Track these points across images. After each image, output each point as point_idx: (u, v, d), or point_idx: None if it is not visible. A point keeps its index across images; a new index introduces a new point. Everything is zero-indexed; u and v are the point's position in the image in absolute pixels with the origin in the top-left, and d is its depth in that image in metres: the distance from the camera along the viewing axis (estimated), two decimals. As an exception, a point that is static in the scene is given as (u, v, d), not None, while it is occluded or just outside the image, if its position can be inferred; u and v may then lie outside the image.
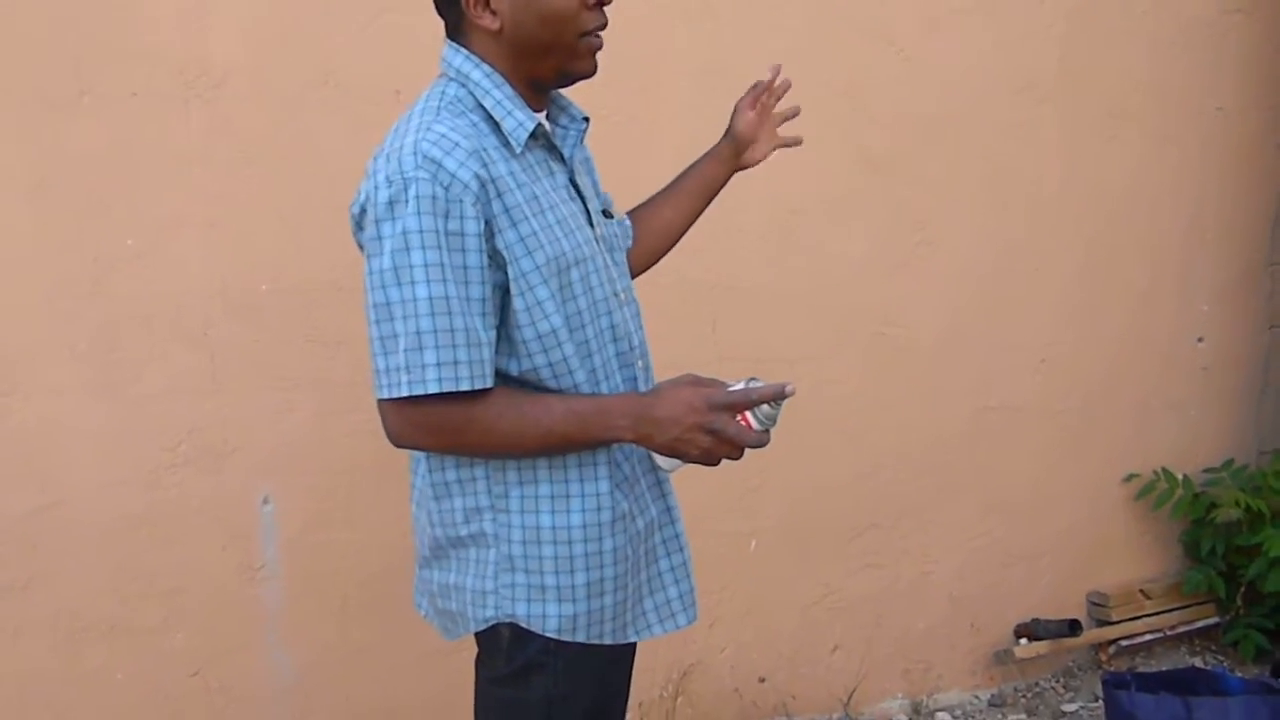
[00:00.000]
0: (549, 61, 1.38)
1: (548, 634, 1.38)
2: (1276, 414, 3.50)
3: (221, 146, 2.23)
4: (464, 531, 1.39)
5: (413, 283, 1.26)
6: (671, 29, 2.62)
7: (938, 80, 2.91)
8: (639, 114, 2.58)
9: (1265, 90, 3.39)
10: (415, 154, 1.27)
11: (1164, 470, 3.28)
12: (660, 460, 1.38)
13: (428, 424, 1.31)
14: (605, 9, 1.38)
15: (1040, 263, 3.12)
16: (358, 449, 2.35)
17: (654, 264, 1.79)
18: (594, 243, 1.44)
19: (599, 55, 1.41)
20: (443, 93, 1.37)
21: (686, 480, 1.50)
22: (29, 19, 2.09)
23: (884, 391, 2.95)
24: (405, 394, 1.28)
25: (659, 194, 1.78)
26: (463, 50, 1.38)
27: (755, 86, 1.76)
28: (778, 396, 1.28)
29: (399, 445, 1.36)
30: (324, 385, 2.35)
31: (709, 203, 1.81)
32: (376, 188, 1.28)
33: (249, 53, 2.22)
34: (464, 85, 1.37)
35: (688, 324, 2.68)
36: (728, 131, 1.77)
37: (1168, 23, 3.21)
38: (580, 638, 1.39)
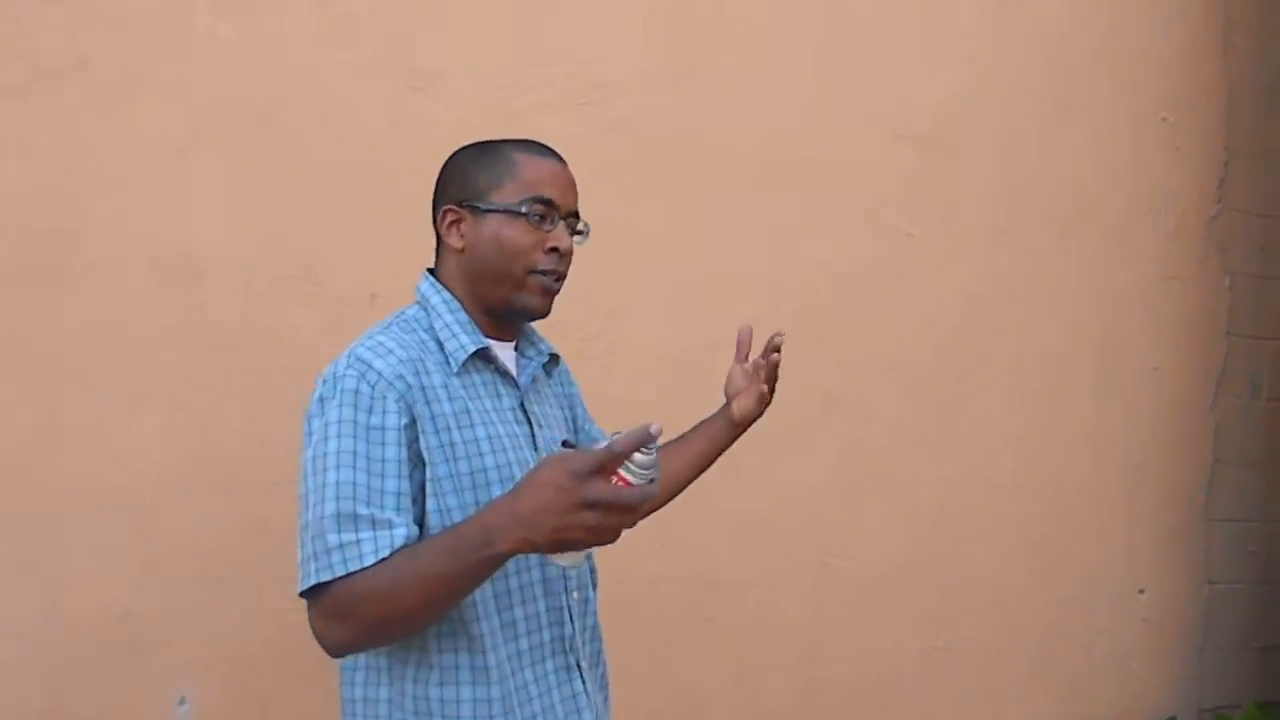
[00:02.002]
0: (500, 290, 1.45)
1: None
2: (1219, 672, 3.50)
3: (193, 331, 2.23)
4: None
5: (324, 469, 1.29)
6: (645, 254, 2.72)
7: (895, 322, 3.03)
8: (608, 335, 2.64)
9: (1198, 353, 3.56)
10: (349, 357, 1.36)
11: (1106, 726, 3.24)
12: (555, 558, 1.24)
13: (335, 610, 1.27)
14: (562, 258, 1.46)
15: (990, 500, 3.17)
16: (285, 651, 2.25)
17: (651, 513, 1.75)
18: (530, 465, 1.41)
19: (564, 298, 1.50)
20: (402, 312, 1.47)
21: None
22: (10, 192, 2.11)
23: (828, 624, 2.92)
24: (314, 582, 1.26)
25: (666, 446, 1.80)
26: (430, 278, 1.49)
27: (737, 349, 1.85)
28: (645, 441, 1.14)
29: (332, 651, 1.31)
30: (260, 580, 2.28)
31: (709, 465, 1.89)
32: (323, 381, 1.36)
33: (230, 242, 2.26)
34: (424, 308, 1.47)
35: (637, 537, 2.65)
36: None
37: (1110, 284, 3.39)
38: None
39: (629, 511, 1.16)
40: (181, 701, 2.23)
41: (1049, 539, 3.27)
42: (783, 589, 2.87)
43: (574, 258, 1.50)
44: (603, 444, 1.17)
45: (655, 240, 2.69)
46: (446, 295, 1.46)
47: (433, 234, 1.54)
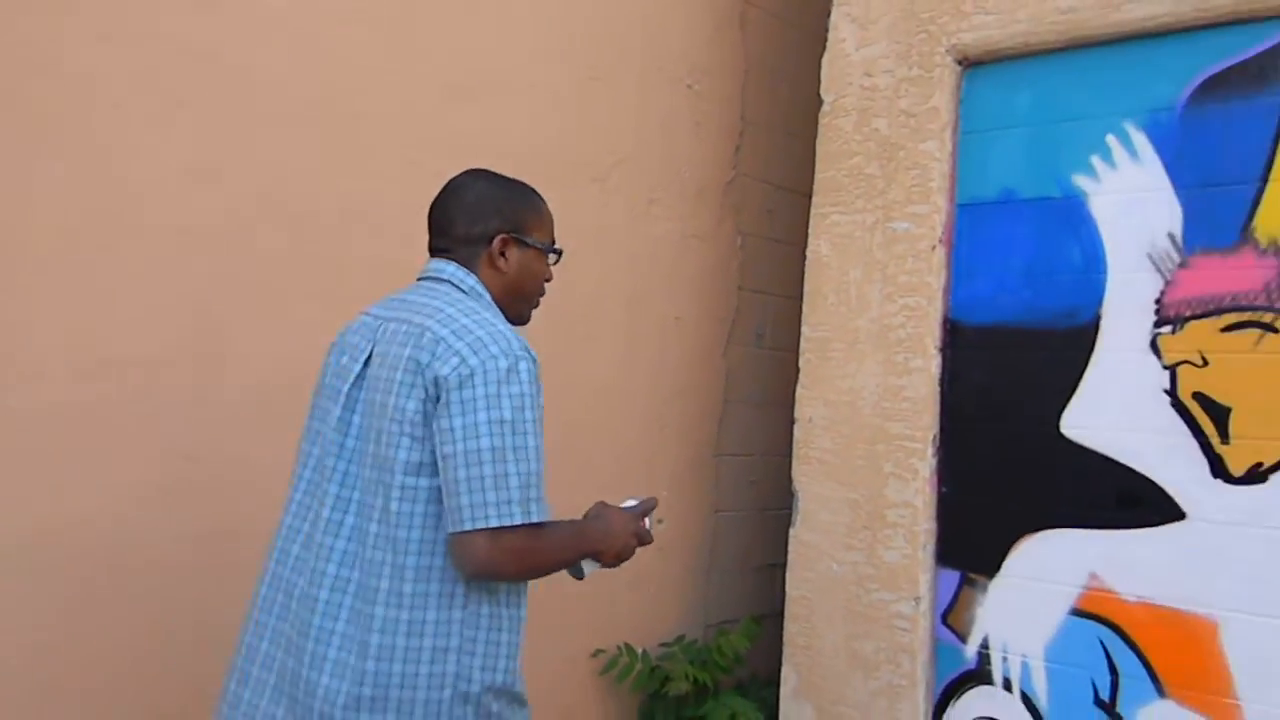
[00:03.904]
0: (521, 305, 1.94)
1: None
2: (722, 591, 3.92)
3: None
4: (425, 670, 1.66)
5: (525, 434, 1.65)
6: (154, 184, 2.49)
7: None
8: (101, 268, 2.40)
9: (714, 306, 3.92)
10: (512, 339, 1.72)
11: (626, 645, 3.51)
12: (588, 567, 1.85)
13: (515, 549, 1.64)
14: None
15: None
16: None
17: None
18: None
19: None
20: (479, 300, 1.84)
21: None
22: None
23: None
24: (520, 522, 1.61)
25: None
26: (472, 274, 1.86)
27: None
28: (654, 506, 1.98)
29: (479, 573, 1.66)
30: None
31: None
32: (493, 356, 1.66)
33: None
34: (479, 300, 1.84)
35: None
36: None
37: (639, 239, 3.62)
38: None
39: (648, 544, 1.95)
40: None
41: (571, 483, 3.45)
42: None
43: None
44: (634, 503, 1.96)
45: (166, 169, 2.49)
46: (488, 298, 1.87)
47: None
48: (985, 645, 3.02)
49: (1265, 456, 2.62)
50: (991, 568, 3.03)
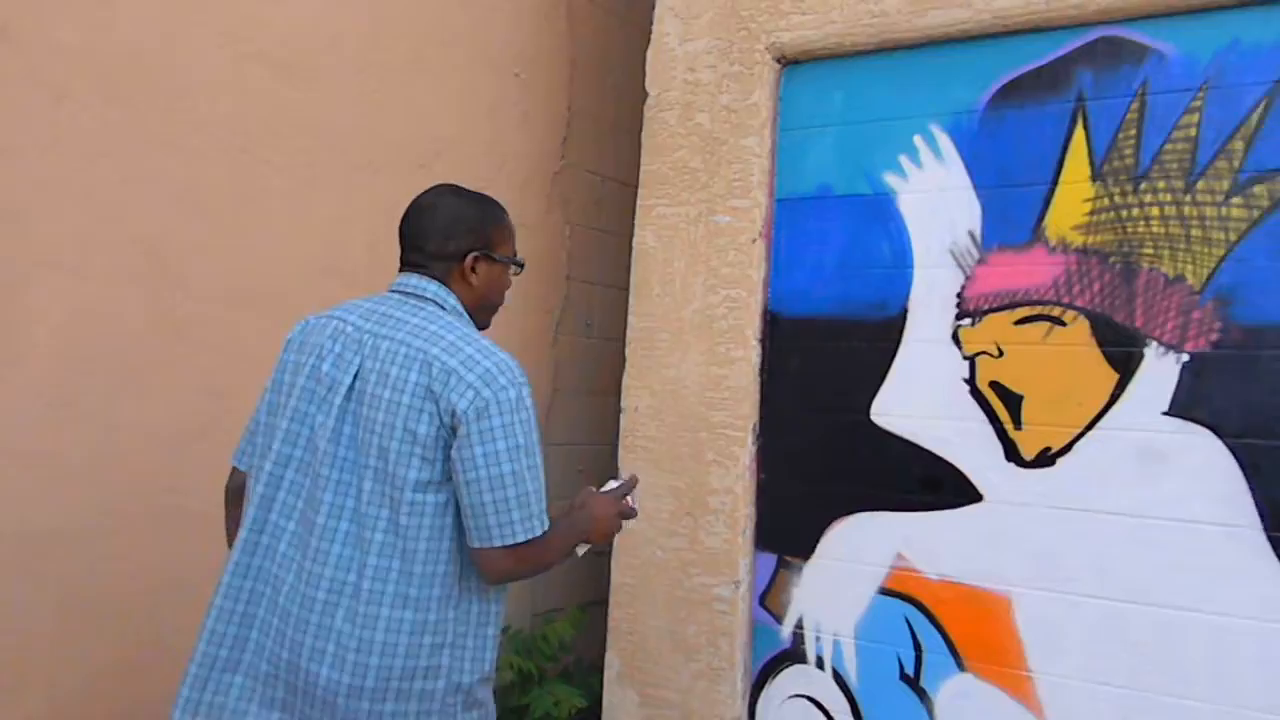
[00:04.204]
0: (488, 315, 2.08)
1: None
2: (549, 579, 3.93)
3: None
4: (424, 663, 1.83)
5: (534, 453, 1.86)
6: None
7: (251, 251, 2.92)
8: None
9: (543, 294, 3.92)
10: (513, 365, 1.88)
11: (452, 638, 3.47)
12: (581, 549, 2.02)
13: (530, 556, 1.85)
14: None
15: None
16: None
17: None
18: None
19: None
20: (461, 318, 1.98)
21: None
22: None
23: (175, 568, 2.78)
24: (537, 534, 1.84)
25: None
26: (453, 294, 1.99)
27: None
28: (634, 485, 2.18)
29: (500, 580, 1.88)
30: None
31: None
32: (504, 388, 1.83)
33: None
34: (461, 319, 1.98)
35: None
36: None
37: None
38: None
39: (632, 518, 2.16)
40: None
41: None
42: (123, 536, 2.67)
43: None
44: (614, 484, 2.16)
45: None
46: (468, 318, 2.00)
47: None
48: (800, 626, 3.13)
49: (1053, 441, 2.79)
50: (807, 551, 3.13)
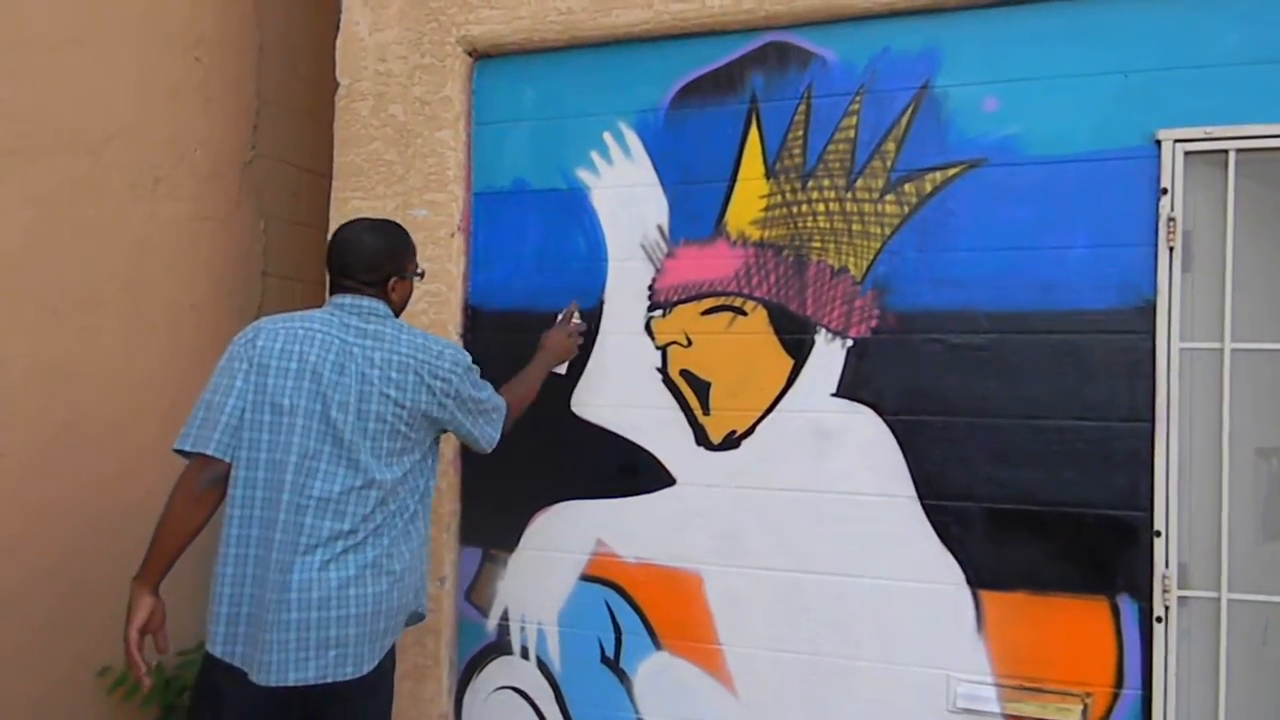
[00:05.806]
0: (399, 313, 2.61)
1: None
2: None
3: None
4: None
5: (488, 383, 2.65)
6: None
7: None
8: None
9: (235, 291, 3.73)
10: (458, 347, 2.61)
11: (138, 659, 3.26)
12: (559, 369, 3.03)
13: (509, 427, 2.75)
14: None
15: (12, 448, 2.94)
16: None
17: None
18: None
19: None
20: (406, 324, 2.56)
21: None
22: None
23: None
24: (505, 414, 2.72)
25: None
26: (385, 304, 2.55)
27: None
28: (574, 309, 3.05)
29: (496, 446, 2.72)
30: None
31: None
32: (461, 361, 2.54)
33: None
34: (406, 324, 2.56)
35: None
36: None
37: (144, 221, 3.35)
38: None
39: (583, 332, 3.08)
40: None
41: (67, 486, 3.15)
42: None
43: None
44: (560, 318, 3.06)
45: None
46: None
47: None
48: (505, 617, 3.15)
49: (738, 425, 2.94)
50: (511, 543, 3.16)
